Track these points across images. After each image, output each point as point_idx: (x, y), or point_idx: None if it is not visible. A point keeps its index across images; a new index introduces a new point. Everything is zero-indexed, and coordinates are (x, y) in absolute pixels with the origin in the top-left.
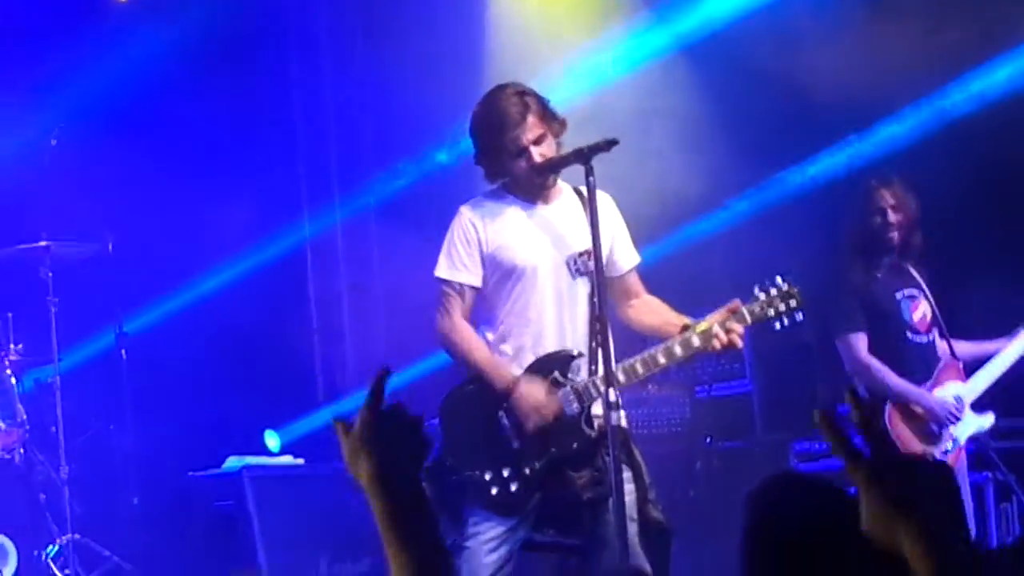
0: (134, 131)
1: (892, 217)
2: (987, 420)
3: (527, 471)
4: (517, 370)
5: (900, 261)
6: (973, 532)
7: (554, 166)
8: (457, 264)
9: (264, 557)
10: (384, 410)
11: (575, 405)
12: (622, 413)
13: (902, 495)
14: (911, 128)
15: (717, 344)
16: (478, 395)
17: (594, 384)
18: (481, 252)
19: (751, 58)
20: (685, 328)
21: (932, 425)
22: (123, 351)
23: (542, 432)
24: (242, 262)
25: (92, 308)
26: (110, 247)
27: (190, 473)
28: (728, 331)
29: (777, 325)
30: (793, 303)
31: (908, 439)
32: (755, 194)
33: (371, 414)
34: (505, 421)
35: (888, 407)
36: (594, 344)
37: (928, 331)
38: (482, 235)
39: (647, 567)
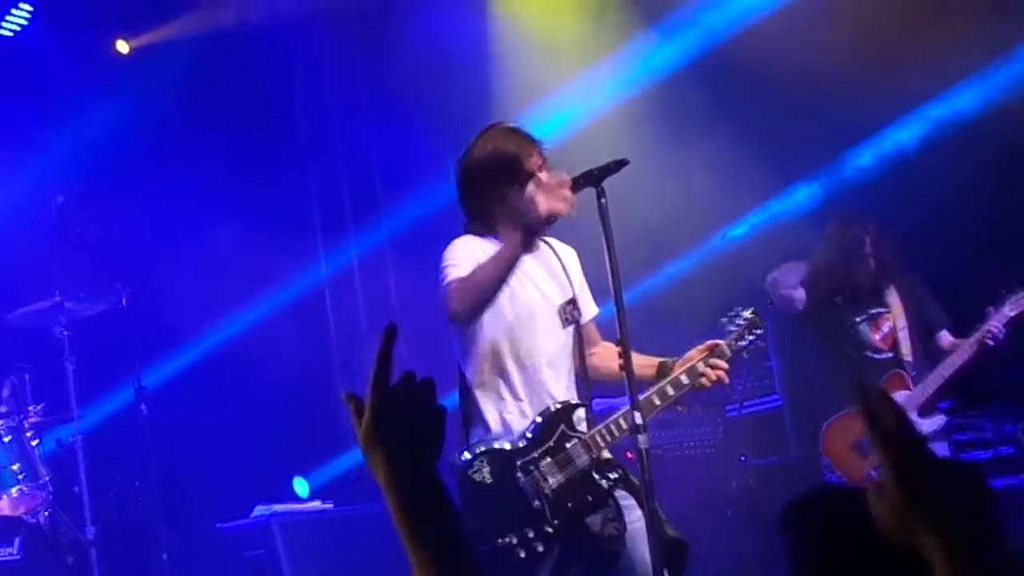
0: (141, 181)
1: (872, 264)
2: (934, 424)
3: (549, 529)
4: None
5: (875, 281)
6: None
7: None
8: (462, 263)
9: None
10: (392, 389)
11: (584, 457)
12: (643, 438)
13: (928, 487)
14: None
15: (706, 382)
16: (491, 461)
17: (600, 434)
18: None
19: (760, 69)
20: (662, 366)
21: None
22: (143, 406)
23: (559, 488)
24: (260, 307)
25: (110, 364)
26: (124, 301)
27: (218, 525)
28: (714, 367)
29: (745, 355)
30: (759, 331)
31: (844, 456)
32: (759, 213)
33: (378, 395)
34: (523, 482)
35: (825, 425)
36: (587, 392)
37: (892, 347)
38: None
39: None
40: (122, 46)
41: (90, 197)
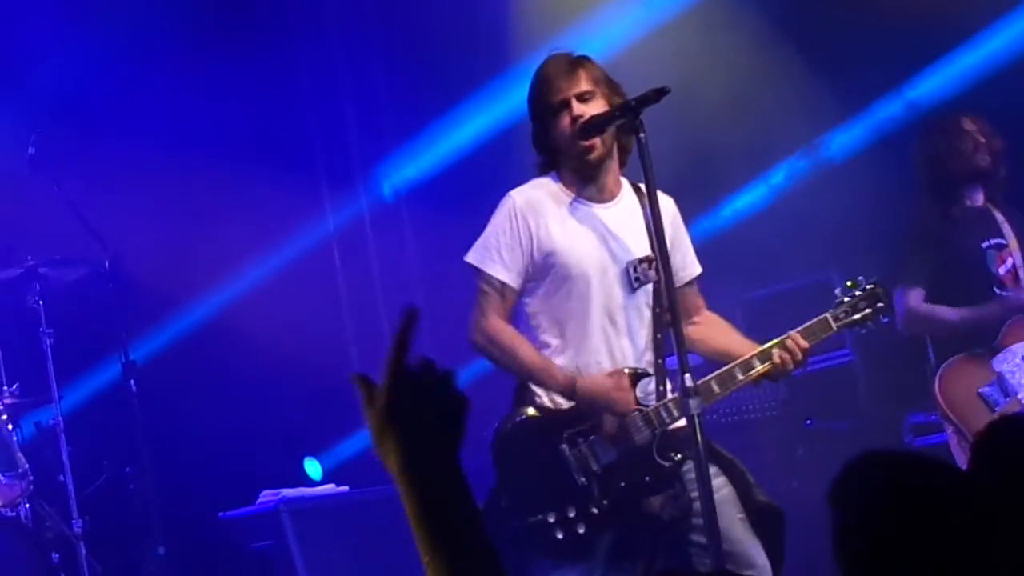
0: (125, 130)
1: (983, 141)
2: None
3: (595, 510)
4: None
5: (986, 203)
6: None
7: (598, 124)
8: (493, 255)
9: None
10: (411, 373)
11: (644, 432)
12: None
13: None
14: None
15: (779, 367)
16: (535, 426)
17: (665, 408)
18: (530, 252)
19: None
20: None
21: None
22: (132, 382)
23: (610, 465)
24: (260, 269)
25: (92, 336)
26: (107, 264)
27: (220, 514)
28: (791, 351)
29: (863, 331)
30: (880, 305)
31: (967, 407)
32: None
33: (394, 380)
34: (568, 454)
35: (942, 367)
36: (660, 361)
37: (1017, 286)
38: (534, 233)
39: (763, 559)
40: None
41: (65, 146)
